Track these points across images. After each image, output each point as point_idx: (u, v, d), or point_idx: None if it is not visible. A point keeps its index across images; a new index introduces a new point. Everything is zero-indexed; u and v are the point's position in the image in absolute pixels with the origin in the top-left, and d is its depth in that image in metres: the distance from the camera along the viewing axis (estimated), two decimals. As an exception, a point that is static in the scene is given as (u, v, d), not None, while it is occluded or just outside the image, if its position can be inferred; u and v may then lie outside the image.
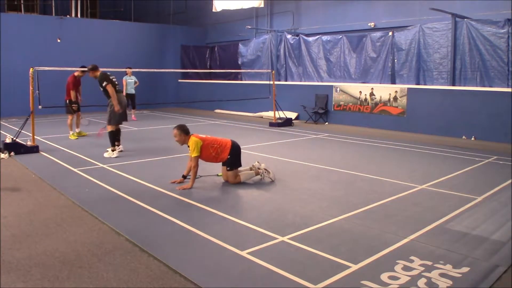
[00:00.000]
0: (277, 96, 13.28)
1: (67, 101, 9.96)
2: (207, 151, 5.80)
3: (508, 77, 10.36)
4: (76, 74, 10.04)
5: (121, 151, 8.14)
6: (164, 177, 6.30)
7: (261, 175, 6.13)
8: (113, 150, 7.85)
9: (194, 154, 5.69)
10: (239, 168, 6.08)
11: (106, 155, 7.80)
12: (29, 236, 4.03)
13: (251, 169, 6.18)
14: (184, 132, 5.82)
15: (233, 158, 5.94)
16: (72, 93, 9.85)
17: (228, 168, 5.95)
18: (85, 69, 9.75)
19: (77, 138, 10.00)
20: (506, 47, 10.31)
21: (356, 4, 14.01)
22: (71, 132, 10.13)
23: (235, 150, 5.98)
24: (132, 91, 13.96)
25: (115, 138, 7.97)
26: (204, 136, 5.93)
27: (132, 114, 14.20)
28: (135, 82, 14.09)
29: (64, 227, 4.27)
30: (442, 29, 11.42)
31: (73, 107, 9.84)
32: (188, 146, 5.79)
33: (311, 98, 14.20)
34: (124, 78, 13.85)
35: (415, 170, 7.04)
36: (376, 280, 3.17)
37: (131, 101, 13.82)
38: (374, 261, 3.51)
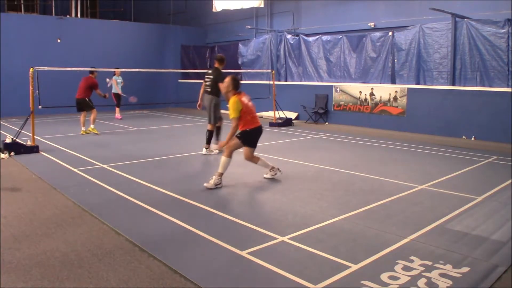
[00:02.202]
0: (277, 96, 13.27)
1: (87, 99, 10.29)
2: (244, 117, 5.80)
3: (508, 77, 10.36)
4: (93, 75, 10.52)
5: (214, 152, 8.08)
6: (164, 177, 6.31)
7: (271, 170, 6.24)
8: (207, 148, 8.04)
9: (233, 115, 5.70)
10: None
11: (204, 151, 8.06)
12: (29, 236, 4.03)
13: (272, 168, 6.26)
14: (234, 85, 5.84)
15: (251, 136, 5.89)
16: (99, 91, 10.45)
17: (242, 141, 5.85)
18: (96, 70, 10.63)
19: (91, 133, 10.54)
20: (506, 47, 10.30)
21: (356, 4, 14.01)
22: (92, 126, 10.57)
23: (258, 131, 5.95)
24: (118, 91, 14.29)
25: (210, 136, 8.09)
26: (246, 102, 5.85)
27: (116, 112, 14.55)
28: (121, 82, 14.30)
29: (64, 227, 4.27)
30: (442, 29, 11.42)
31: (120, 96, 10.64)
32: (227, 104, 5.79)
33: (311, 98, 14.19)
34: (113, 78, 14.13)
35: (415, 170, 7.04)
36: (376, 280, 3.18)
37: (117, 100, 14.29)
38: (374, 261, 3.51)
